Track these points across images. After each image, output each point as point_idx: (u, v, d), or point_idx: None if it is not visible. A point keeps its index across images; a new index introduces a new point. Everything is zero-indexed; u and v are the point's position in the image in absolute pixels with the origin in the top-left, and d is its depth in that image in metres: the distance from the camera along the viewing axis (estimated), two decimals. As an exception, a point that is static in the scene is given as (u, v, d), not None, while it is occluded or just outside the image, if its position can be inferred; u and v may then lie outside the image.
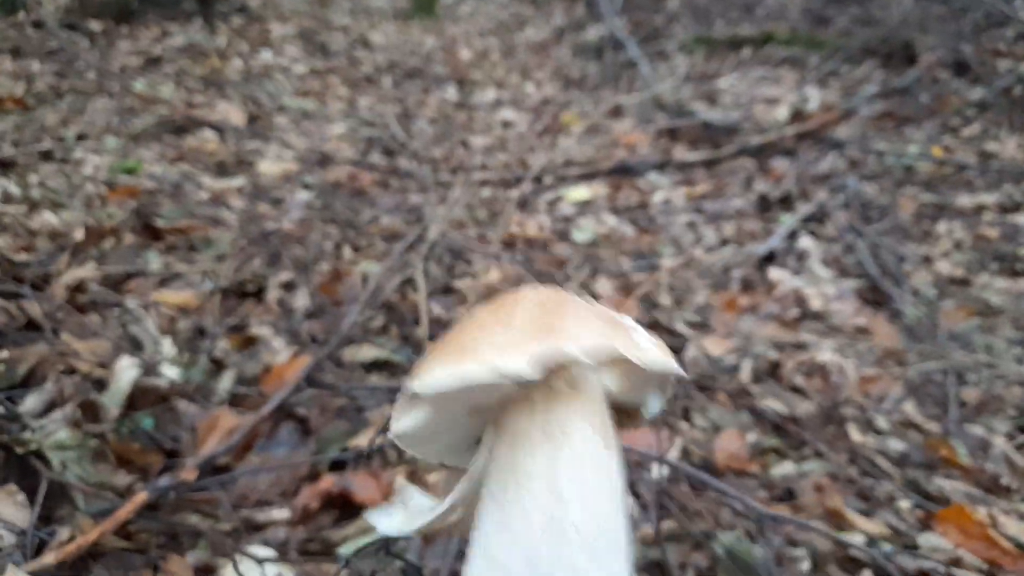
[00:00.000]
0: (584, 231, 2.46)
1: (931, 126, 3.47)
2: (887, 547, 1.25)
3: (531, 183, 2.69)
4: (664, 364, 0.31)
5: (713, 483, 1.29)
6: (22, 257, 1.75)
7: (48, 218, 1.91)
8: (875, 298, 2.17)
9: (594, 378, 0.31)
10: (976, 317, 2.07)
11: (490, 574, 0.27)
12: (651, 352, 0.31)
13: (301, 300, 1.73)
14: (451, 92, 3.93)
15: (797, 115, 3.39)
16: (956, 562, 1.21)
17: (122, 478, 1.24)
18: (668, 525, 1.22)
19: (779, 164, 3.06)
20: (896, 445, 1.54)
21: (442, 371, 0.30)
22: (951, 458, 1.52)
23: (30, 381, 1.39)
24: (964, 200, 2.78)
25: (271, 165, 2.57)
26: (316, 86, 3.61)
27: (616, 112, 3.72)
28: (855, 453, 1.50)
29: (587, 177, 2.93)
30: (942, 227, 2.60)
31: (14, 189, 2.03)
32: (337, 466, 1.33)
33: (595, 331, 0.30)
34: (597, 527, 0.27)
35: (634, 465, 1.33)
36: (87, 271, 1.70)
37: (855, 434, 1.56)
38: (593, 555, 0.26)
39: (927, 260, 2.40)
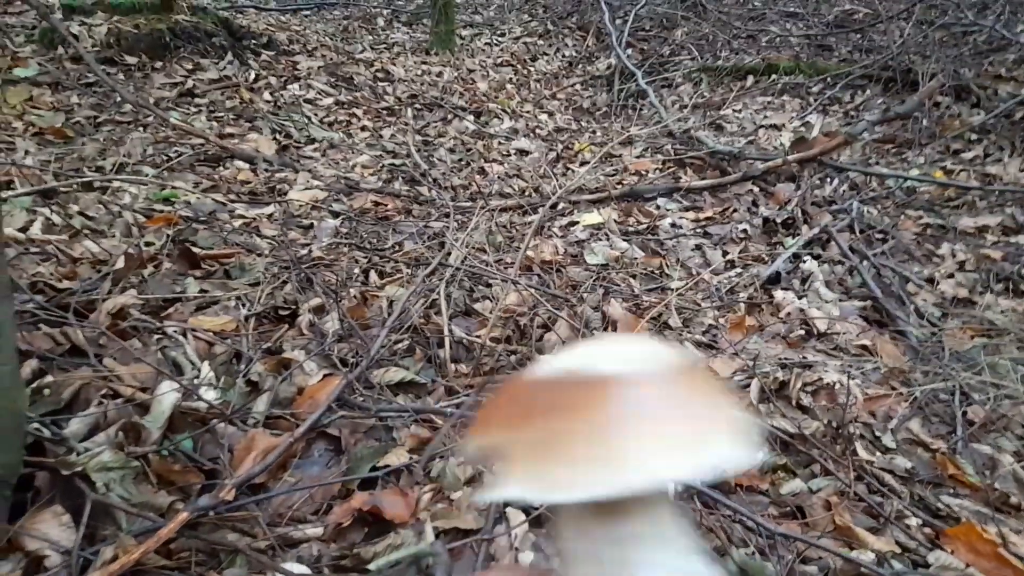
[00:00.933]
0: (596, 255, 2.54)
1: (932, 150, 3.54)
2: (897, 565, 1.29)
3: (546, 209, 2.78)
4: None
5: (725, 501, 1.35)
6: (65, 284, 1.83)
7: (89, 246, 2.01)
8: (879, 319, 2.22)
9: None
10: (980, 337, 2.11)
11: None
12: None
13: (331, 324, 1.81)
14: (469, 122, 4.05)
15: (800, 141, 3.47)
16: (967, 581, 1.24)
17: (163, 498, 1.27)
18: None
19: (783, 189, 3.13)
20: (903, 463, 1.57)
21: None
22: (959, 476, 1.55)
23: (74, 405, 1.45)
24: (967, 222, 2.83)
25: (300, 193, 2.68)
26: (342, 117, 3.74)
27: (626, 140, 3.82)
28: (863, 471, 1.53)
29: (599, 203, 3.02)
30: (945, 248, 2.65)
31: (56, 218, 2.13)
32: (368, 484, 1.39)
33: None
34: None
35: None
36: (128, 298, 1.78)
37: (863, 452, 1.60)
38: None
39: (931, 281, 2.45)
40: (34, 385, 1.44)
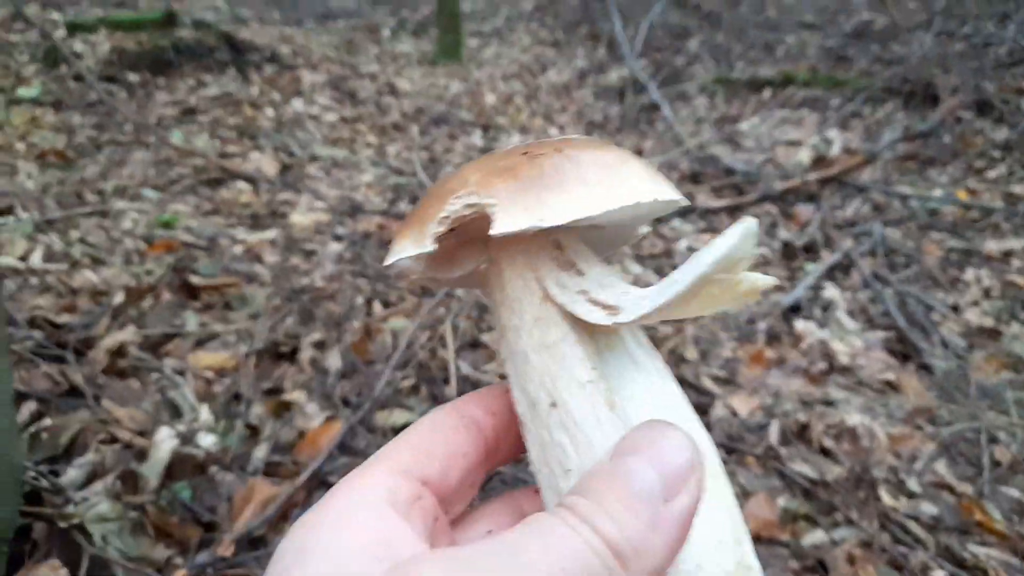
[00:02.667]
0: (608, 280, 2.47)
1: (955, 168, 3.45)
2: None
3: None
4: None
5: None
6: (64, 319, 1.80)
7: (89, 276, 1.97)
8: (903, 350, 2.15)
9: None
10: (1007, 371, 2.04)
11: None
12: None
13: (333, 360, 1.76)
14: (477, 137, 3.98)
15: (820, 159, 3.39)
16: (995, 637, 1.19)
17: (161, 552, 1.25)
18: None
19: (803, 210, 3.05)
20: (929, 509, 1.52)
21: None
22: (986, 523, 1.50)
23: (72, 450, 1.43)
24: (991, 245, 2.75)
25: (303, 216, 2.63)
26: (345, 134, 3.68)
27: (638, 156, 3.75)
28: (887, 518, 1.48)
29: (610, 223, 2.95)
30: (970, 274, 2.57)
31: (57, 245, 2.10)
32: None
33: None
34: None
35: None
36: (127, 334, 1.75)
37: (887, 498, 1.54)
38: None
39: (955, 309, 2.37)
40: (32, 429, 1.43)
